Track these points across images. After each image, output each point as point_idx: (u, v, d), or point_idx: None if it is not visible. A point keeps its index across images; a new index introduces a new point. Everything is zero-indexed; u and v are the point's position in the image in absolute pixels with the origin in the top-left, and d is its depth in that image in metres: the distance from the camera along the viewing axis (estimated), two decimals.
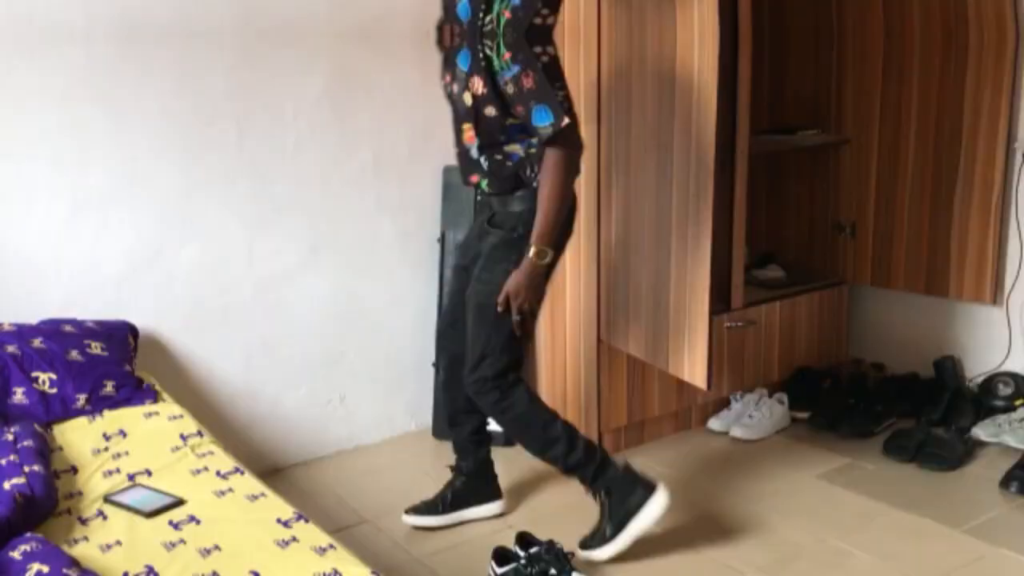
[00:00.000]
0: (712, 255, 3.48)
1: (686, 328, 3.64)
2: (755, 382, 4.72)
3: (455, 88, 3.03)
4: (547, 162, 3.03)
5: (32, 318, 3.61)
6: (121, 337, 3.64)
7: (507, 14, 2.88)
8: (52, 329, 3.51)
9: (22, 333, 3.44)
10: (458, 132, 3.14)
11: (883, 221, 4.80)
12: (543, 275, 3.16)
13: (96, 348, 3.49)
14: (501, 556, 3.35)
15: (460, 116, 3.11)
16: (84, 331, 3.55)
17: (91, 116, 3.69)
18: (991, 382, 4.51)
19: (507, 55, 2.89)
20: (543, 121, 2.93)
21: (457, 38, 3.01)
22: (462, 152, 3.21)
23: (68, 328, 3.54)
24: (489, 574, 3.32)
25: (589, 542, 3.38)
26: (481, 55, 2.94)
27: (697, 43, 3.37)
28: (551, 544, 3.33)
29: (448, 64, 3.00)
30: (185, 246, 3.97)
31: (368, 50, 4.24)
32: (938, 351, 4.76)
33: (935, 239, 4.58)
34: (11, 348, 3.35)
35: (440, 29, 3.04)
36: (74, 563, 2.27)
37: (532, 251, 3.09)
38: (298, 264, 4.25)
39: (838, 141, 4.93)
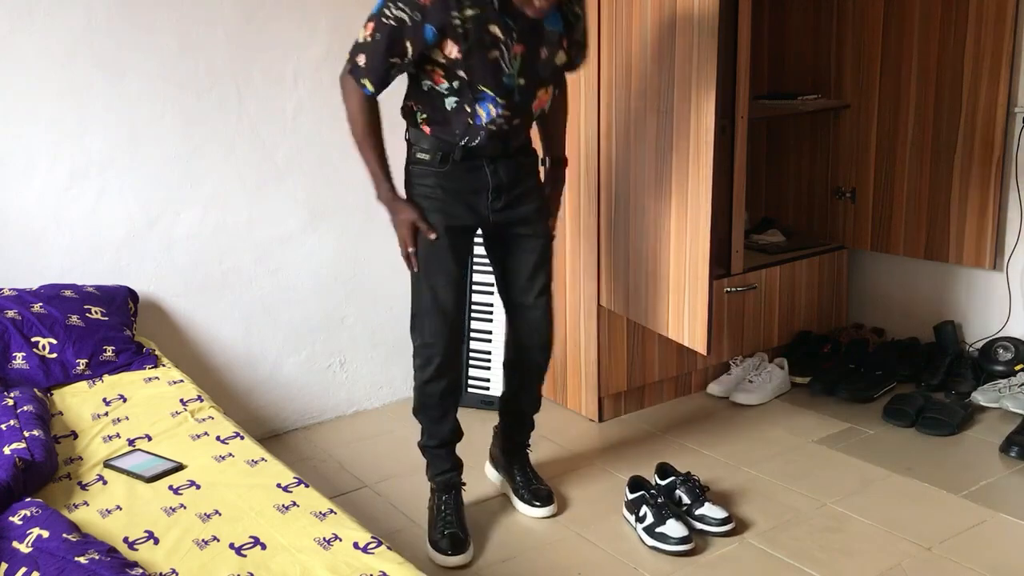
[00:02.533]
0: (712, 220, 3.47)
1: (686, 293, 3.64)
2: (755, 347, 4.72)
3: (544, 52, 3.04)
4: (564, 97, 3.44)
5: (32, 283, 3.62)
6: (121, 302, 3.64)
7: None
8: (52, 294, 3.50)
9: (22, 298, 3.44)
10: (525, 100, 3.11)
11: (883, 186, 4.79)
12: None
13: (96, 313, 3.49)
14: (634, 484, 3.51)
15: (539, 81, 3.10)
16: (84, 296, 3.55)
17: (91, 81, 3.68)
18: (991, 347, 4.51)
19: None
20: (579, 60, 3.29)
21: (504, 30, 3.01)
22: (513, 121, 3.14)
23: (68, 293, 3.54)
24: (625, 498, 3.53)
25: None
26: (571, 14, 3.13)
27: (696, 7, 3.36)
28: (688, 475, 3.52)
29: (518, 35, 2.98)
30: (185, 211, 3.96)
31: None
32: (938, 316, 4.76)
33: (935, 204, 4.57)
34: (11, 313, 3.35)
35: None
36: (74, 528, 2.28)
37: (562, 166, 3.48)
38: (298, 229, 4.24)
39: (838, 106, 4.91)
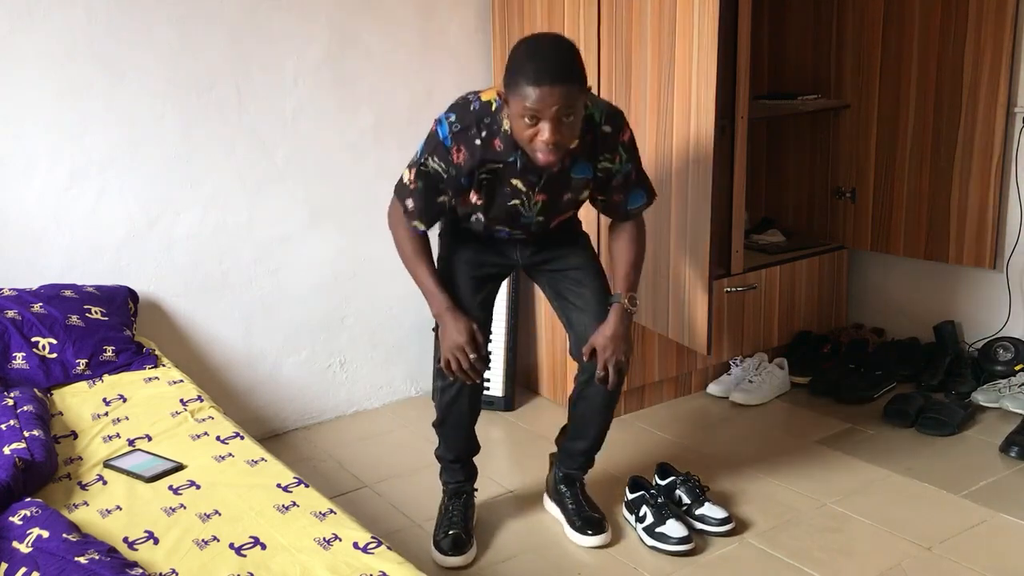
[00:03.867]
0: (712, 219, 3.47)
1: (686, 293, 3.64)
2: (755, 347, 4.72)
3: (568, 196, 3.09)
4: (638, 230, 3.23)
5: (32, 283, 3.62)
6: (121, 302, 3.64)
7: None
8: (52, 294, 3.50)
9: (22, 298, 3.43)
10: (542, 228, 3.17)
11: (883, 186, 4.79)
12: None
13: (96, 313, 3.49)
14: (634, 484, 3.51)
15: (559, 213, 3.16)
16: (84, 296, 3.55)
17: (91, 81, 3.68)
18: (991, 347, 4.51)
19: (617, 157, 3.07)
20: (638, 202, 3.18)
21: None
22: (521, 232, 3.22)
23: (68, 293, 3.54)
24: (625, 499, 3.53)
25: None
26: (599, 167, 3.06)
27: (696, 7, 3.36)
28: (688, 475, 3.52)
29: (540, 188, 3.02)
30: (185, 211, 3.96)
31: (369, 15, 4.22)
32: (938, 316, 4.76)
33: (935, 204, 4.57)
34: (11, 313, 3.35)
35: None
36: (74, 528, 2.28)
37: (626, 300, 3.16)
38: (298, 229, 4.24)
39: (838, 106, 4.91)
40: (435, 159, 2.95)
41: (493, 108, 2.90)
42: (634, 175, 3.13)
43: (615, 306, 3.13)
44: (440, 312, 3.11)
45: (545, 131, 2.71)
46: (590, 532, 3.39)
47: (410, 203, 3.06)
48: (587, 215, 3.44)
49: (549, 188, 3.02)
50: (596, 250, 3.40)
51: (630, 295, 3.16)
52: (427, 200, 3.04)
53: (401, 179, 3.09)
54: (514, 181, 2.98)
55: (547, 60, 2.69)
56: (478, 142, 2.90)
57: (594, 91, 3.91)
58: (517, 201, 3.02)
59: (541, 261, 3.30)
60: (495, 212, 3.06)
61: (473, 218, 3.13)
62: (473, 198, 3.02)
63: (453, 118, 2.92)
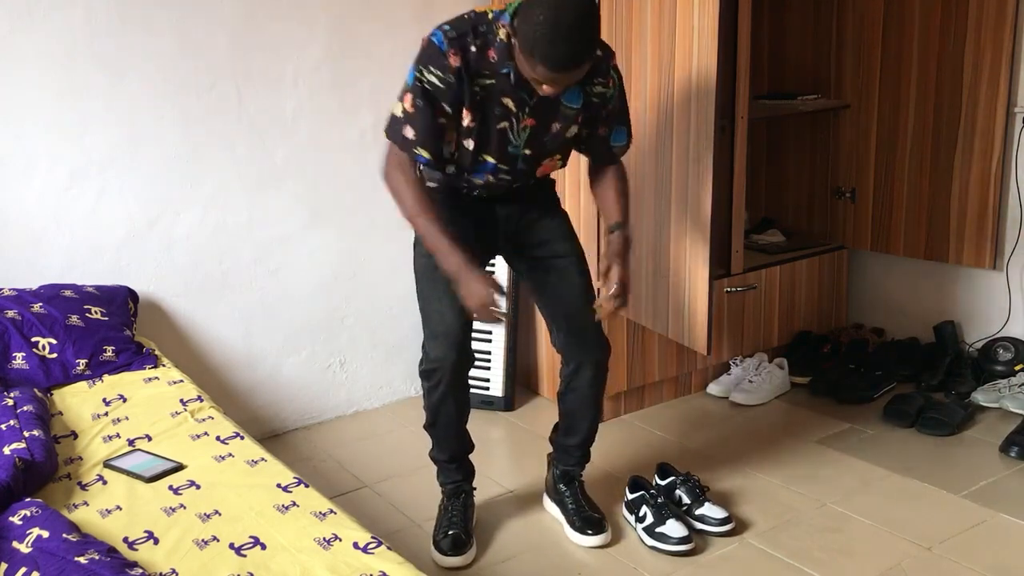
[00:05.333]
0: (712, 219, 3.47)
1: (686, 293, 3.64)
2: (755, 347, 4.72)
3: (556, 127, 3.02)
4: (621, 170, 3.22)
5: (32, 283, 3.61)
6: (121, 302, 3.64)
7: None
8: (52, 294, 3.50)
9: (22, 298, 3.43)
10: (528, 168, 3.09)
11: (883, 186, 4.79)
12: None
13: (96, 313, 3.49)
14: (634, 484, 3.51)
15: (545, 152, 3.09)
16: (84, 296, 3.55)
17: (91, 81, 3.68)
18: (991, 347, 4.51)
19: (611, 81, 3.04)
20: (621, 140, 3.16)
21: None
22: (513, 185, 3.15)
23: (68, 293, 3.54)
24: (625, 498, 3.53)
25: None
26: (594, 92, 3.01)
27: (697, 6, 3.36)
28: (688, 475, 3.52)
29: (531, 109, 2.97)
30: (185, 211, 3.96)
31: (369, 15, 4.22)
32: (938, 316, 4.76)
33: (935, 204, 4.57)
34: (11, 313, 3.35)
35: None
36: (74, 528, 2.28)
37: (628, 229, 3.16)
38: (298, 229, 4.24)
39: (838, 106, 4.91)
40: (431, 69, 2.81)
41: (489, 18, 2.85)
42: (619, 106, 3.09)
43: (619, 232, 3.11)
44: (457, 270, 2.91)
45: (553, 88, 2.74)
46: (590, 532, 3.38)
47: (409, 131, 2.89)
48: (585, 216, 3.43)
49: (538, 113, 2.95)
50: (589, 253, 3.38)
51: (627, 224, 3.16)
52: (428, 122, 2.86)
53: (392, 115, 2.92)
54: (505, 100, 2.90)
55: (569, 43, 2.60)
56: (473, 49, 2.82)
57: None
58: (506, 124, 2.93)
59: (525, 239, 3.24)
60: (484, 134, 2.94)
61: (452, 162, 3.02)
62: (466, 119, 2.90)
63: (447, 27, 2.84)
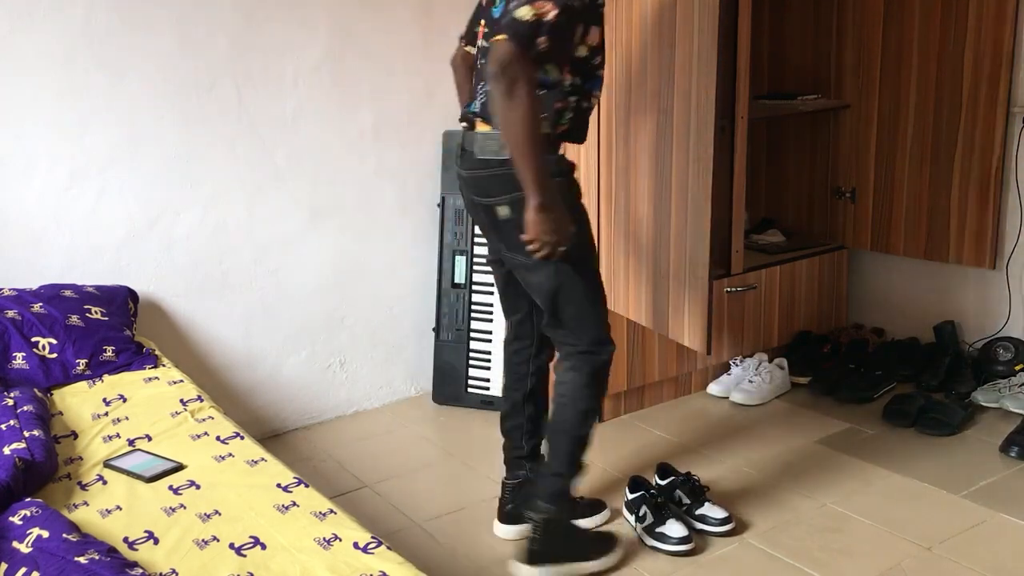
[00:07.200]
0: (712, 219, 3.47)
1: (686, 293, 3.64)
2: (755, 347, 4.72)
3: None
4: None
5: (32, 283, 3.62)
6: (121, 302, 3.64)
7: None
8: (52, 294, 3.50)
9: (22, 298, 3.44)
10: None
11: (883, 186, 4.79)
12: None
13: (96, 313, 3.49)
14: (634, 484, 3.51)
15: None
16: (84, 296, 3.55)
17: (91, 81, 3.68)
18: (991, 347, 4.51)
19: None
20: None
21: None
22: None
23: (68, 293, 3.54)
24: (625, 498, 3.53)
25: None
26: None
27: (697, 6, 3.36)
28: (688, 475, 3.52)
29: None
30: (185, 211, 3.96)
31: (368, 15, 4.23)
32: (938, 316, 4.76)
33: (935, 204, 4.57)
34: (11, 313, 3.35)
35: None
36: (74, 528, 2.28)
37: None
38: (298, 229, 4.24)
39: (838, 106, 4.91)
40: None
41: None
42: None
43: None
44: (553, 202, 2.72)
45: None
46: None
47: (543, 43, 2.58)
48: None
49: None
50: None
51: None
52: (564, 38, 2.64)
53: (523, 18, 2.57)
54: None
55: None
56: None
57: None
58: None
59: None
60: (601, 58, 2.82)
61: (574, 91, 2.83)
62: (595, 38, 2.76)
63: None
